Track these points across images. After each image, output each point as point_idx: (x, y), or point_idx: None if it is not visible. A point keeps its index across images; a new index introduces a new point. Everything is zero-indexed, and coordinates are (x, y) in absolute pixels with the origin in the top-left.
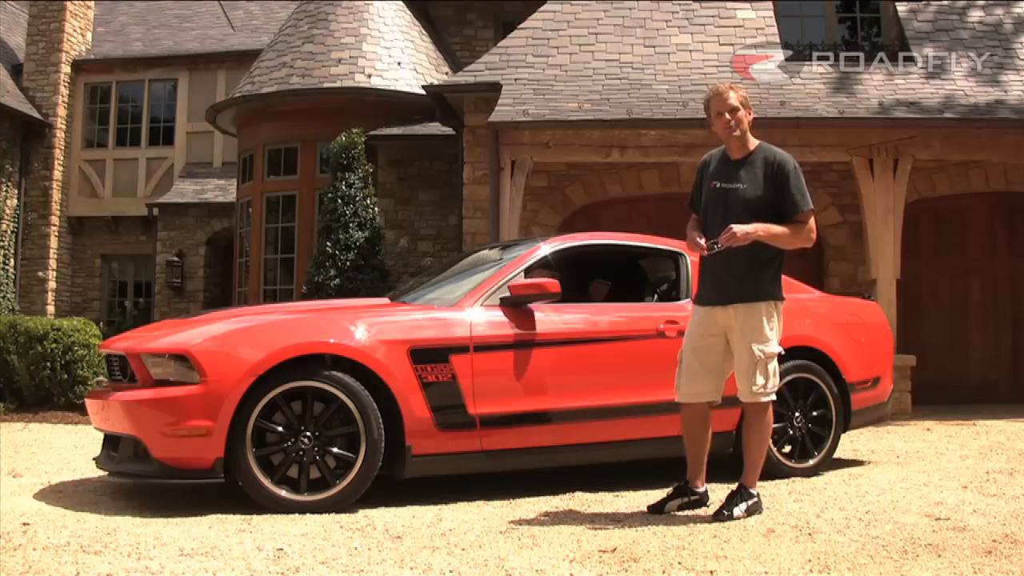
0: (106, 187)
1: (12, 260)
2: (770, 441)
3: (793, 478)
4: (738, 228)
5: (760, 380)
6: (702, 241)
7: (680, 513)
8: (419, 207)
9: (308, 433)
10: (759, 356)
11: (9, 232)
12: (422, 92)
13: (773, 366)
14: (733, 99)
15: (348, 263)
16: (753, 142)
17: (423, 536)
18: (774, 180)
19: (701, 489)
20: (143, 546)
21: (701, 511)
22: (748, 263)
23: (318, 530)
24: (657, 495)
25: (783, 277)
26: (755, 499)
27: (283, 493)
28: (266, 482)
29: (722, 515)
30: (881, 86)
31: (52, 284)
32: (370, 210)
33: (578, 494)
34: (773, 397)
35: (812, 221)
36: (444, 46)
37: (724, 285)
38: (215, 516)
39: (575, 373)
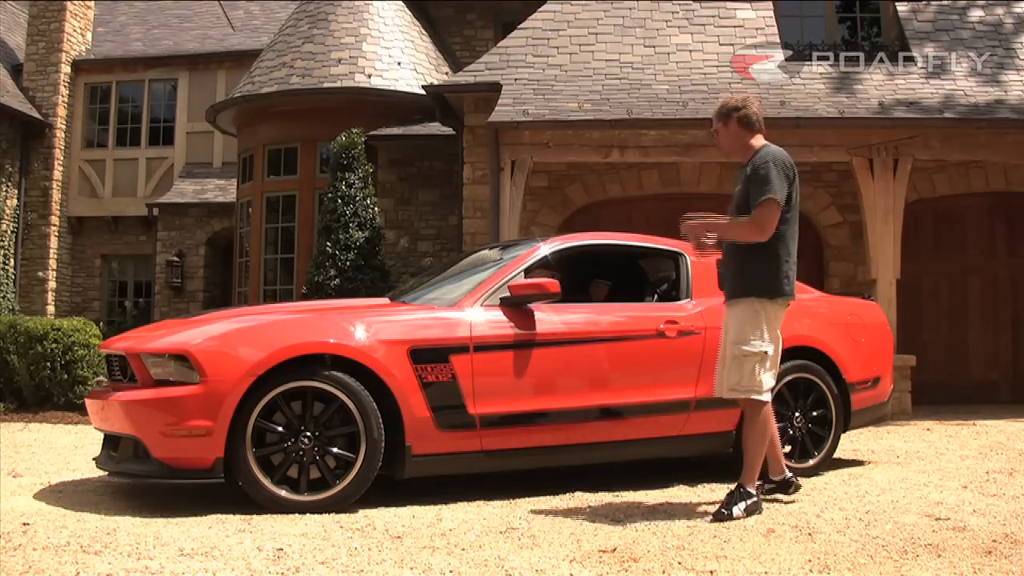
0: (106, 187)
1: (12, 260)
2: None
3: None
4: (692, 220)
5: (733, 378)
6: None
7: (681, 512)
8: (419, 207)
9: (308, 433)
10: (735, 353)
11: (9, 232)
12: (422, 92)
13: (752, 365)
14: (717, 114)
15: (348, 263)
16: (755, 146)
17: (423, 536)
18: (749, 179)
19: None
20: (143, 546)
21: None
22: (736, 258)
23: (318, 530)
24: (657, 495)
25: None
26: (754, 499)
27: (283, 493)
28: (266, 482)
29: (721, 515)
30: (881, 86)
31: (52, 284)
32: (370, 210)
33: (578, 494)
34: (759, 397)
35: (769, 212)
36: (444, 46)
37: (723, 281)
38: (215, 516)
39: (575, 373)
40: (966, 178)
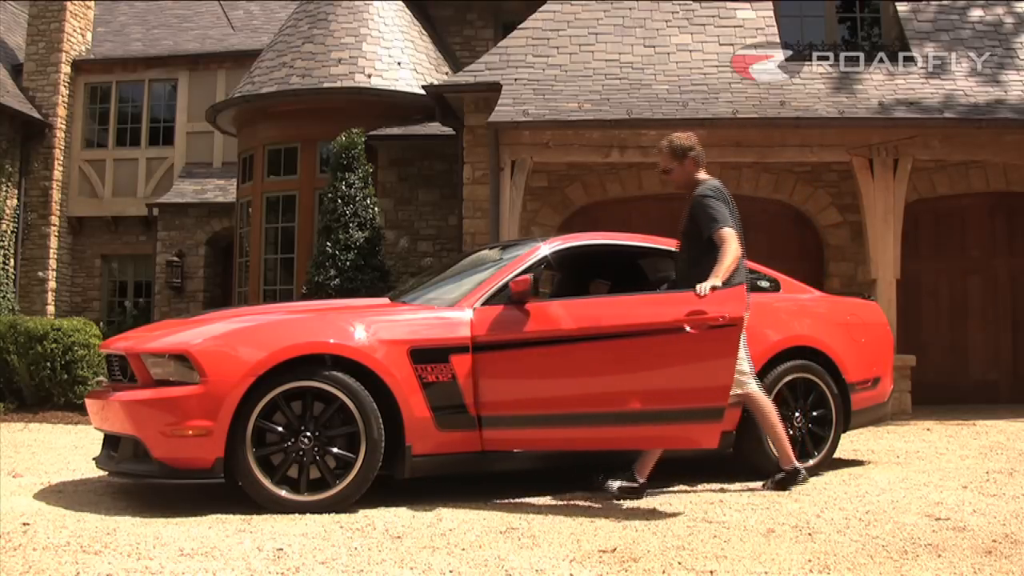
0: (106, 187)
1: (12, 260)
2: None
3: None
4: (699, 289)
5: None
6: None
7: (681, 511)
8: (419, 207)
9: (308, 433)
10: None
11: (9, 232)
12: (422, 92)
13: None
14: (663, 157)
15: (348, 263)
16: (698, 181)
17: (423, 536)
18: (692, 212)
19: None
20: (143, 546)
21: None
22: (689, 270)
23: (318, 530)
24: (657, 495)
25: (783, 278)
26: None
27: (283, 493)
28: (266, 482)
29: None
30: (881, 86)
31: (52, 284)
32: (370, 210)
33: (578, 494)
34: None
35: (724, 234)
36: (444, 46)
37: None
38: (215, 516)
39: (574, 373)
40: (966, 178)
